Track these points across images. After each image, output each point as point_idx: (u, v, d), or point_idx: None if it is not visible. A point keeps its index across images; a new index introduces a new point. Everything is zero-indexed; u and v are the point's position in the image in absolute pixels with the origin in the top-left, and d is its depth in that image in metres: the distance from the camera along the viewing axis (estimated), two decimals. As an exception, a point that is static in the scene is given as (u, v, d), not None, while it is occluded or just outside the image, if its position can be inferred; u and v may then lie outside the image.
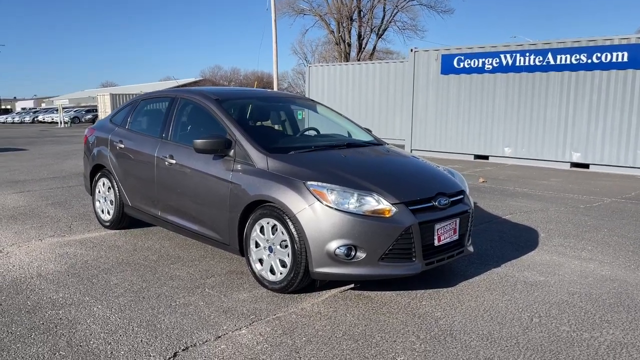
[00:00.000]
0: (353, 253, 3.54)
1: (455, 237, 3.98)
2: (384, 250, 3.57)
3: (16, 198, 7.71)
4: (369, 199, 3.62)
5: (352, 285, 3.99)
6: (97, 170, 5.86)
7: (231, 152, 4.19)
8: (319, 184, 3.67)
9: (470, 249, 4.24)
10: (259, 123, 5.07)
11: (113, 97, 44.43)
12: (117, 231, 5.68)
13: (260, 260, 3.95)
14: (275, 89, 25.92)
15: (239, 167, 4.08)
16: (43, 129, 34.77)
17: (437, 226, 3.78)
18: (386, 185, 3.78)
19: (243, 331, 3.24)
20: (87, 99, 64.99)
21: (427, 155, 13.05)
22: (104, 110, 44.59)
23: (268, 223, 3.84)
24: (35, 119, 51.89)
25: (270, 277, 3.88)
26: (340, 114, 5.54)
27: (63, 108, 54.40)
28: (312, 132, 5.31)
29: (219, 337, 3.15)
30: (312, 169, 3.86)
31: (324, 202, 3.57)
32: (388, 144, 5.00)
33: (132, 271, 4.36)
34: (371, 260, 3.57)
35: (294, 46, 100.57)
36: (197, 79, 64.44)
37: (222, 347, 3.02)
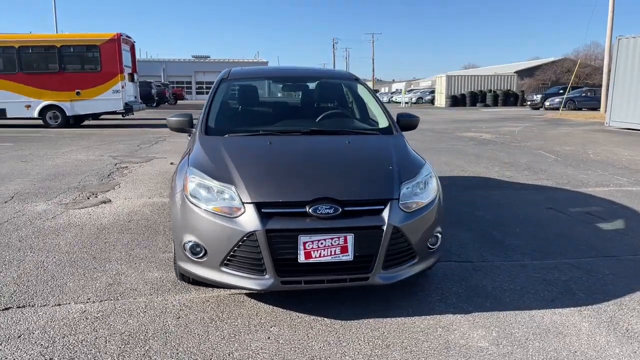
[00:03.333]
0: (200, 251, 3.21)
1: (347, 258, 3.09)
2: (225, 255, 3.11)
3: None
4: (224, 193, 3.20)
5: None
6: None
7: (192, 131, 4.25)
8: (193, 169, 3.43)
9: (379, 279, 3.18)
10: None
11: (449, 78, 45.59)
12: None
13: None
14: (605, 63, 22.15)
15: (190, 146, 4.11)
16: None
17: (303, 238, 3.03)
18: (255, 181, 3.23)
19: (80, 305, 3.41)
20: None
21: None
22: (440, 91, 46.29)
23: None
24: (391, 100, 57.83)
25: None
26: (376, 98, 4.72)
27: (411, 90, 58.88)
28: None
29: (59, 304, 3.42)
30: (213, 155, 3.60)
31: (185, 191, 3.34)
32: (381, 135, 4.12)
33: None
34: (213, 264, 3.16)
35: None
36: (558, 58, 59.46)
37: (40, 314, 3.29)
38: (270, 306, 3.37)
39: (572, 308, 3.39)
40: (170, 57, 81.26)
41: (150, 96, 33.67)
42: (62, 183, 7.48)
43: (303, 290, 3.44)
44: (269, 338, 2.96)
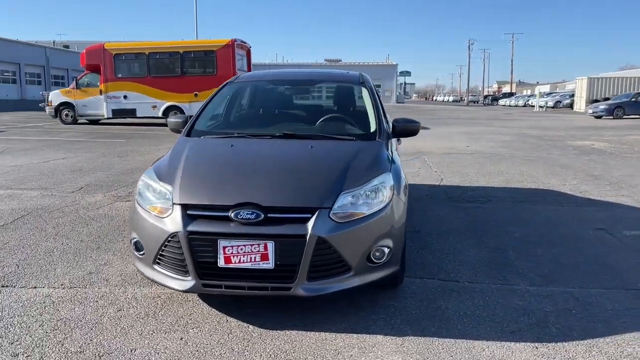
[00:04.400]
0: (140, 248, 3.35)
1: (267, 265, 3.02)
2: (155, 253, 3.21)
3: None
4: (163, 194, 3.30)
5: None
6: None
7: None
8: (148, 170, 3.59)
9: (302, 291, 3.03)
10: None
11: (591, 81, 41.85)
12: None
13: None
14: None
15: None
16: (508, 112, 36.53)
17: (223, 242, 3.02)
18: (190, 183, 3.28)
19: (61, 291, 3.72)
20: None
21: None
22: (580, 95, 42.63)
23: None
24: (527, 103, 54.59)
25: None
26: (375, 102, 4.48)
27: (550, 93, 55.04)
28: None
29: (35, 287, 3.76)
30: (175, 157, 3.72)
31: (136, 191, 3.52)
32: (359, 141, 3.91)
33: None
34: (148, 261, 3.28)
35: None
36: None
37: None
38: (211, 307, 3.40)
39: (528, 344, 2.98)
40: (304, 61, 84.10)
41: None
42: (133, 177, 8.16)
43: (248, 295, 3.41)
44: (181, 339, 3.00)
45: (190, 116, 4.52)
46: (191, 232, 3.04)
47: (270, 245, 2.99)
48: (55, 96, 21.52)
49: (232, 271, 3.04)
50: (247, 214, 3.03)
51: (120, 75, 20.08)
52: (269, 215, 3.04)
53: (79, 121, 21.23)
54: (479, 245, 4.75)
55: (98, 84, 20.38)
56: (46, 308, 3.38)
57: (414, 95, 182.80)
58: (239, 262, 3.01)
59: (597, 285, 3.85)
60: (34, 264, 4.17)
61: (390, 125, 4.35)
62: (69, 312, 3.33)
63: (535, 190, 7.35)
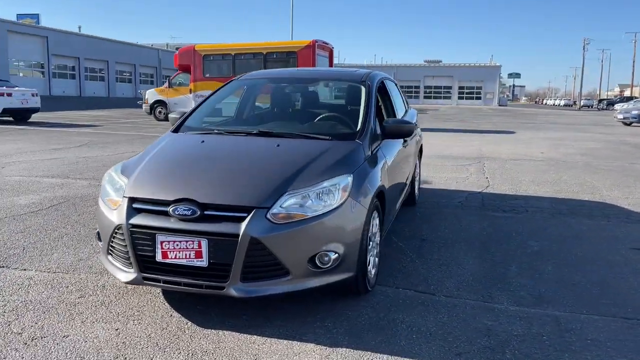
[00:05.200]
0: (100, 239, 3.47)
1: (201, 263, 2.99)
2: (107, 244, 3.31)
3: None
4: (118, 186, 3.39)
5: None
6: None
7: None
8: (117, 165, 3.71)
9: (234, 291, 2.95)
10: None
11: None
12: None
13: None
14: None
15: None
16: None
17: (160, 237, 3.04)
18: (143, 177, 3.34)
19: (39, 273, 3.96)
20: None
21: None
22: None
23: None
24: None
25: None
26: (369, 102, 4.26)
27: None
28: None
29: (25, 270, 4.02)
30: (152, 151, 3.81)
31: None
32: (330, 140, 3.76)
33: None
34: (104, 252, 3.39)
35: None
36: None
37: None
38: (165, 301, 3.43)
39: (466, 368, 2.70)
40: (402, 62, 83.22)
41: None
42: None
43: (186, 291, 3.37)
44: (117, 329, 3.05)
45: (185, 112, 4.60)
46: (133, 225, 3.09)
47: (204, 243, 2.96)
48: (151, 94, 23.05)
49: (170, 266, 3.05)
50: (184, 209, 3.02)
51: (208, 75, 21.01)
52: (205, 212, 3.01)
53: (171, 118, 22.49)
54: (483, 258, 4.40)
55: (188, 83, 21.48)
56: (19, 290, 3.59)
57: (523, 98, 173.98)
58: (175, 258, 3.01)
59: (593, 311, 3.41)
60: (38, 248, 4.45)
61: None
62: (36, 295, 3.51)
63: (587, 202, 6.67)
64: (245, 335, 3.00)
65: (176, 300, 3.44)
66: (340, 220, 3.13)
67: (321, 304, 3.40)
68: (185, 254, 2.99)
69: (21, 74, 43.25)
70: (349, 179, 3.27)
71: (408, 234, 5.04)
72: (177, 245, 3.00)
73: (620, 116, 25.49)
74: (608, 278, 3.98)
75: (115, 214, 3.20)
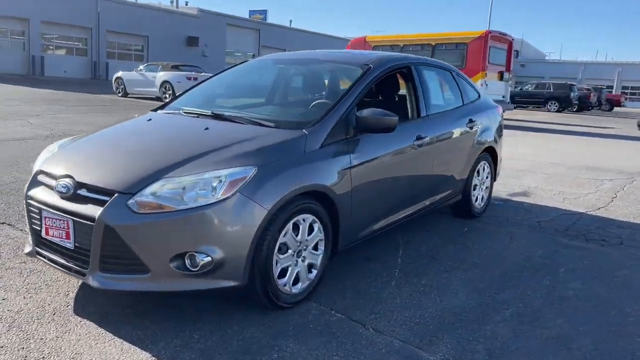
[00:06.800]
0: None
1: (69, 245, 2.81)
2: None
3: None
4: (43, 158, 3.38)
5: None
6: None
7: None
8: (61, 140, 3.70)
9: (92, 280, 2.69)
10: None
11: None
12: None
13: None
14: None
15: None
16: None
17: (44, 213, 2.94)
18: (61, 151, 3.30)
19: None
20: None
21: None
22: None
23: None
24: None
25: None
26: (352, 87, 3.58)
27: None
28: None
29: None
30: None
31: None
32: (268, 125, 3.32)
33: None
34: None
35: None
36: None
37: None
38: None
39: None
40: (629, 59, 71.93)
41: (569, 100, 30.93)
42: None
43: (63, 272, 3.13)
44: (3, 299, 3.05)
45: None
46: (29, 197, 3.05)
47: (71, 223, 2.79)
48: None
49: (52, 244, 2.94)
50: (62, 187, 2.88)
51: (375, 66, 20.82)
52: (78, 192, 2.83)
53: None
54: (483, 293, 3.46)
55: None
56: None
57: None
58: (52, 235, 2.91)
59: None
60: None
61: None
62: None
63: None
64: (100, 330, 2.75)
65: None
66: (219, 219, 2.68)
67: (215, 310, 2.98)
68: (60, 233, 2.87)
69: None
70: (246, 173, 2.78)
71: (420, 250, 4.22)
72: (54, 222, 2.88)
73: None
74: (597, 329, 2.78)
75: (26, 185, 3.19)
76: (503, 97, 19.75)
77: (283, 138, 3.14)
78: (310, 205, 3.06)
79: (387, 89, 4.51)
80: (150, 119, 3.73)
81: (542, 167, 8.79)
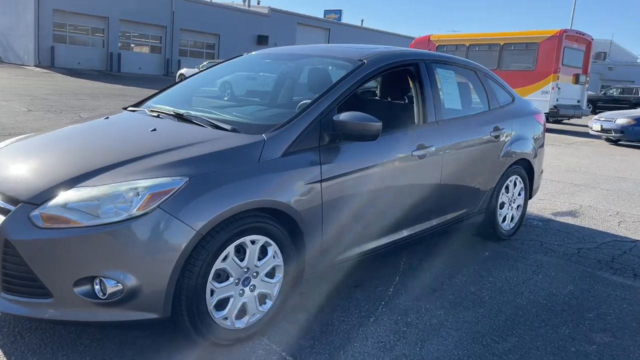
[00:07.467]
0: None
1: (-21, 257, 2.51)
2: None
3: None
4: None
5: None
6: None
7: None
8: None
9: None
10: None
11: None
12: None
13: None
14: None
15: None
16: None
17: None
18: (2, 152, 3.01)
19: None
20: None
21: None
22: None
23: None
24: None
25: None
26: (335, 87, 3.04)
27: None
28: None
29: None
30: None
31: None
32: (226, 129, 2.85)
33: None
34: None
35: None
36: None
37: None
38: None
39: None
40: None
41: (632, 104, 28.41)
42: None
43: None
44: None
45: None
46: None
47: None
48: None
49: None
50: None
51: (439, 66, 19.91)
52: (-7, 199, 2.51)
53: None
54: (479, 340, 2.86)
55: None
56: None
57: None
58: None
59: None
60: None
61: None
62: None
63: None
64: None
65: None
66: (132, 239, 2.26)
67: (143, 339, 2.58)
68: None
69: (302, 60, 48.47)
70: (174, 185, 2.35)
71: (422, 279, 3.63)
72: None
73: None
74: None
75: None
76: (578, 101, 18.28)
77: (234, 144, 2.68)
78: (262, 224, 2.59)
79: (388, 89, 3.94)
80: (107, 118, 3.38)
81: (605, 181, 7.79)
